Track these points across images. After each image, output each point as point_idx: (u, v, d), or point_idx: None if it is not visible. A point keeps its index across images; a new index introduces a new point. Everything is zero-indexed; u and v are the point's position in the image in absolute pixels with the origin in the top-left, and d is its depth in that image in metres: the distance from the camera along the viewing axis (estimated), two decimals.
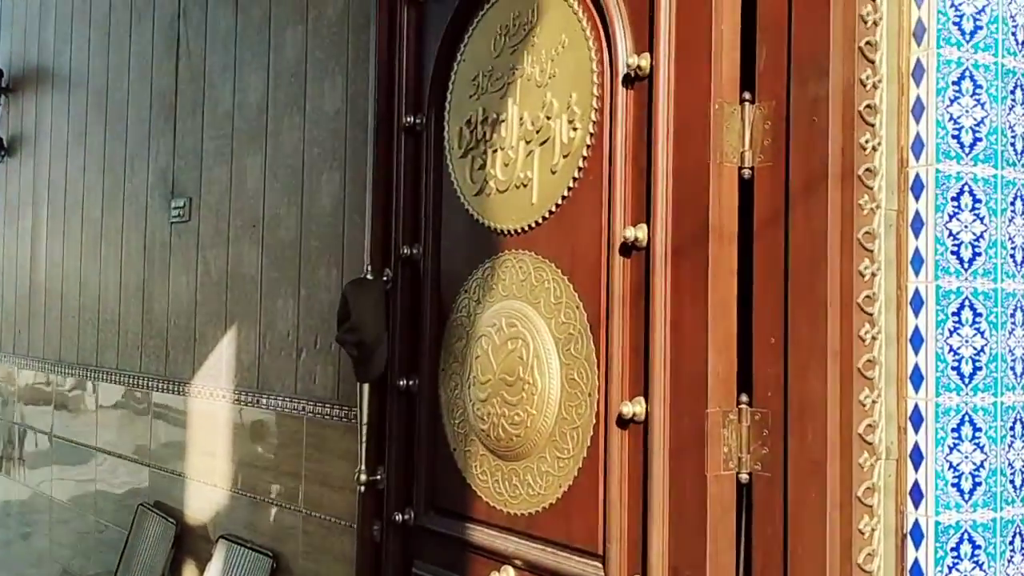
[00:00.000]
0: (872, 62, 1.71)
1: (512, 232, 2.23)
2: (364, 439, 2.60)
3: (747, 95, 1.81)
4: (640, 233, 1.90)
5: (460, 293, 2.39)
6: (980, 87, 1.74)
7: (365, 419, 2.60)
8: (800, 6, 1.72)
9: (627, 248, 1.94)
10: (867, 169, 1.69)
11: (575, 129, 2.07)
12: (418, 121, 2.54)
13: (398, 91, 2.60)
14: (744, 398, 1.78)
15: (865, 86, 1.70)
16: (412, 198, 2.58)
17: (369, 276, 2.62)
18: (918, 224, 1.72)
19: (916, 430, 1.70)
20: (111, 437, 4.62)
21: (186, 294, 4.00)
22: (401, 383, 2.52)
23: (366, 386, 2.60)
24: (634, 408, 1.88)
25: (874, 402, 1.69)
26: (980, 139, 1.73)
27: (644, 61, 1.91)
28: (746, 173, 1.80)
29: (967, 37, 1.73)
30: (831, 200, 1.68)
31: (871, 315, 1.70)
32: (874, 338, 1.70)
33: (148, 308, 4.29)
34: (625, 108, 1.96)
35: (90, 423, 4.80)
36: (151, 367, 4.25)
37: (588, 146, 2.04)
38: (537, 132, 2.17)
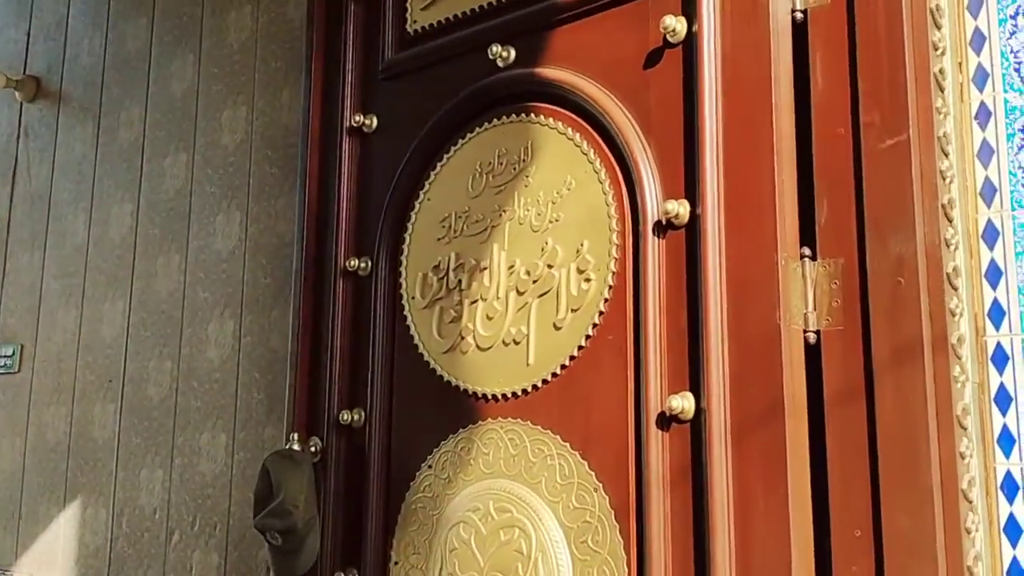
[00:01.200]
0: (951, 220, 1.56)
1: (498, 397, 1.90)
2: None
3: (806, 251, 1.62)
4: (686, 403, 1.63)
5: (421, 469, 2.01)
6: None
7: None
8: (872, 158, 1.57)
9: (666, 420, 1.66)
10: (958, 338, 1.52)
11: (588, 280, 1.81)
12: (362, 265, 2.20)
13: (336, 231, 2.26)
14: None
15: (949, 246, 1.54)
16: (351, 354, 2.20)
17: (295, 446, 2.19)
18: (1003, 399, 1.55)
19: None
20: None
21: (10, 461, 3.31)
22: None
23: None
24: None
25: None
26: None
27: (682, 208, 1.69)
28: (811, 337, 1.59)
29: None
30: (927, 372, 1.48)
31: (971, 502, 1.49)
32: (976, 529, 1.49)
33: None
34: (656, 259, 1.72)
35: None
36: None
37: (605, 300, 1.78)
38: (534, 282, 1.89)
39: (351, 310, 2.22)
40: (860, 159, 1.58)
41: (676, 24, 1.74)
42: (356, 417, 2.14)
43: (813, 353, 1.59)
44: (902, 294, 1.52)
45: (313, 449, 2.20)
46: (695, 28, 1.72)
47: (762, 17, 1.66)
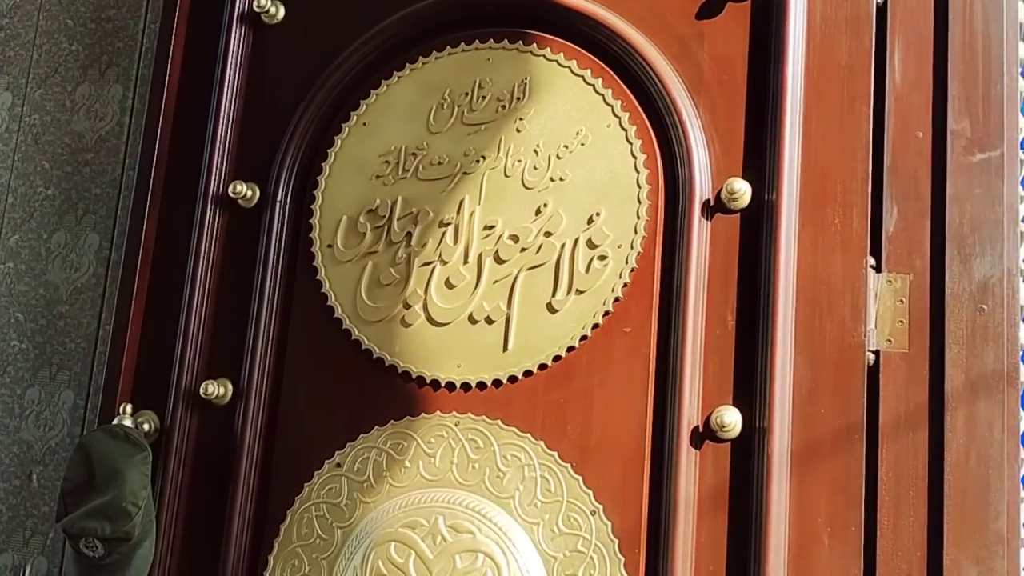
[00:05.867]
0: None
1: (455, 385, 1.51)
2: None
3: (871, 260, 1.44)
4: (730, 417, 1.38)
5: (323, 468, 1.55)
6: None
7: None
8: (960, 171, 1.44)
9: (699, 437, 1.39)
10: None
11: (602, 258, 1.48)
12: (247, 192, 1.68)
13: (211, 144, 1.71)
14: None
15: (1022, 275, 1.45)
16: (218, 308, 1.67)
17: (126, 422, 1.61)
18: None
19: None
20: None
21: None
22: None
23: None
24: None
25: None
26: None
27: (744, 188, 1.44)
28: (869, 358, 1.42)
29: None
30: (1008, 410, 1.37)
31: None
32: None
33: None
34: (702, 245, 1.45)
35: None
36: None
37: (625, 285, 1.47)
38: (522, 251, 1.52)
39: (222, 249, 1.69)
40: (944, 169, 1.44)
41: None
42: (221, 391, 1.62)
43: (871, 375, 1.42)
44: (984, 322, 1.39)
45: (147, 428, 1.63)
46: None
47: None
